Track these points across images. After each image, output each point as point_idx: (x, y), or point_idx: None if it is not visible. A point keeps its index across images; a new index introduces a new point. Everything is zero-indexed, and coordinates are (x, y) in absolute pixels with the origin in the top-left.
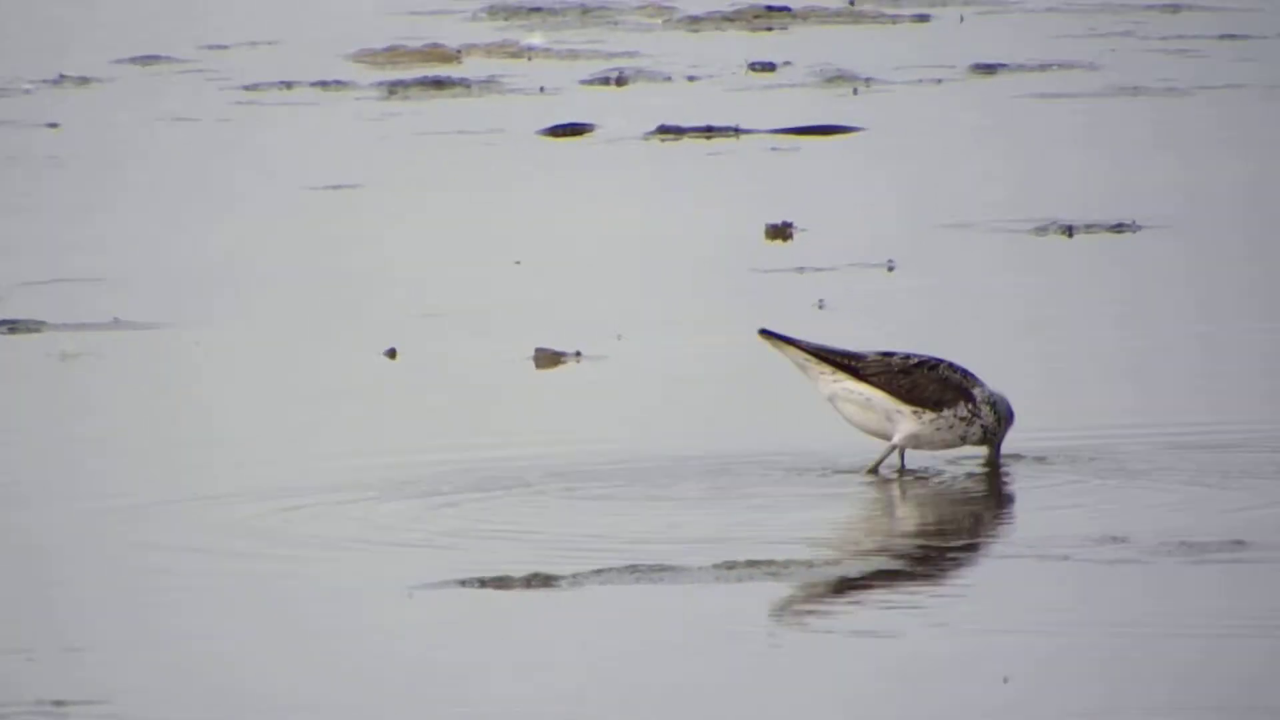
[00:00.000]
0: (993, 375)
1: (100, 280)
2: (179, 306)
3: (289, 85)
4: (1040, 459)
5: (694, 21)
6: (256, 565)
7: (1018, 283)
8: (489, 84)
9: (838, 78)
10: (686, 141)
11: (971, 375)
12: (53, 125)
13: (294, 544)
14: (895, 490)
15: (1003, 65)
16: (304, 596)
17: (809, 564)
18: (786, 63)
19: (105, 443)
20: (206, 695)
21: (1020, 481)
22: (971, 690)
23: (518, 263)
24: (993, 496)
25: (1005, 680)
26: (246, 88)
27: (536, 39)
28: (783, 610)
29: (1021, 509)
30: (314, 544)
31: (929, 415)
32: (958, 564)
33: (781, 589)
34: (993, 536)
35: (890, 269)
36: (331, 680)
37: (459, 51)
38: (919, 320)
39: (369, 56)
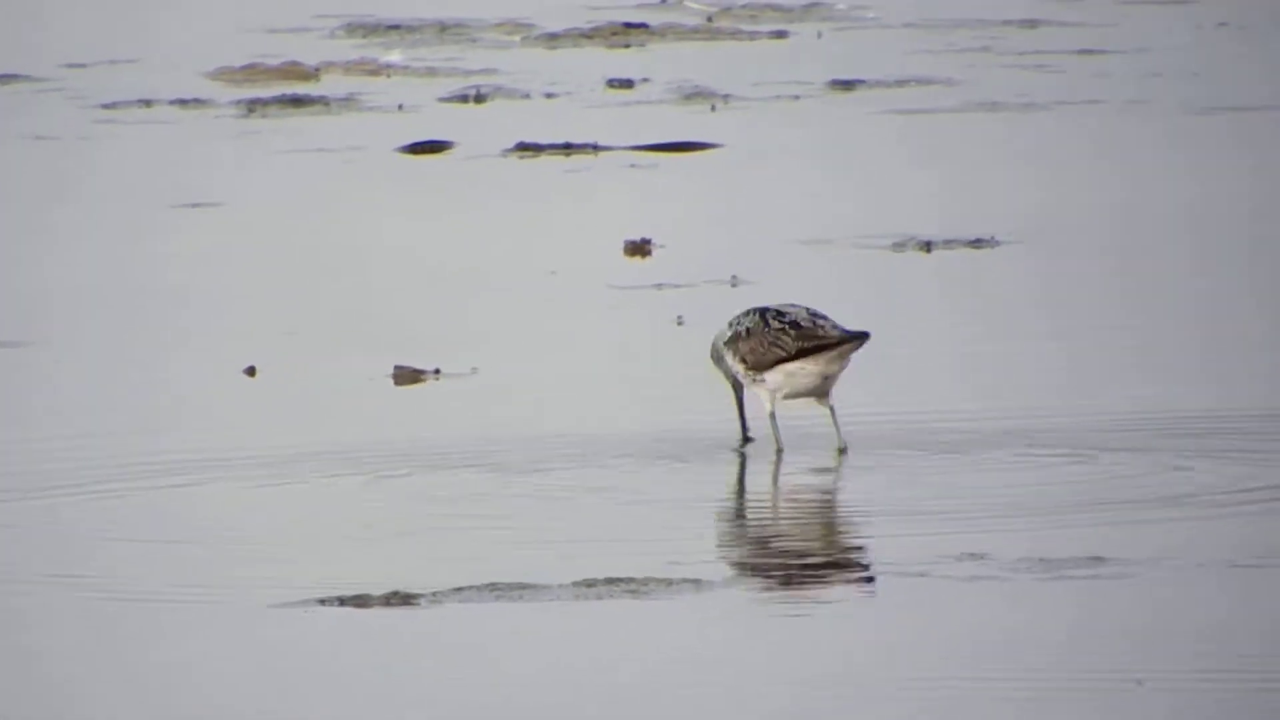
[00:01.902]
0: (847, 385)
1: None
2: (39, 325)
3: (148, 103)
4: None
5: (552, 39)
6: (98, 586)
7: (876, 296)
8: (348, 101)
9: (696, 94)
10: (545, 158)
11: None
12: None
13: (137, 561)
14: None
15: (861, 81)
16: (175, 615)
17: (668, 582)
18: (645, 79)
19: None
20: (79, 709)
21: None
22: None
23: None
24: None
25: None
26: (105, 106)
27: (395, 56)
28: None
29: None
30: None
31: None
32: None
33: (642, 607)
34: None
35: (734, 285)
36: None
37: (317, 69)
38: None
39: (227, 74)
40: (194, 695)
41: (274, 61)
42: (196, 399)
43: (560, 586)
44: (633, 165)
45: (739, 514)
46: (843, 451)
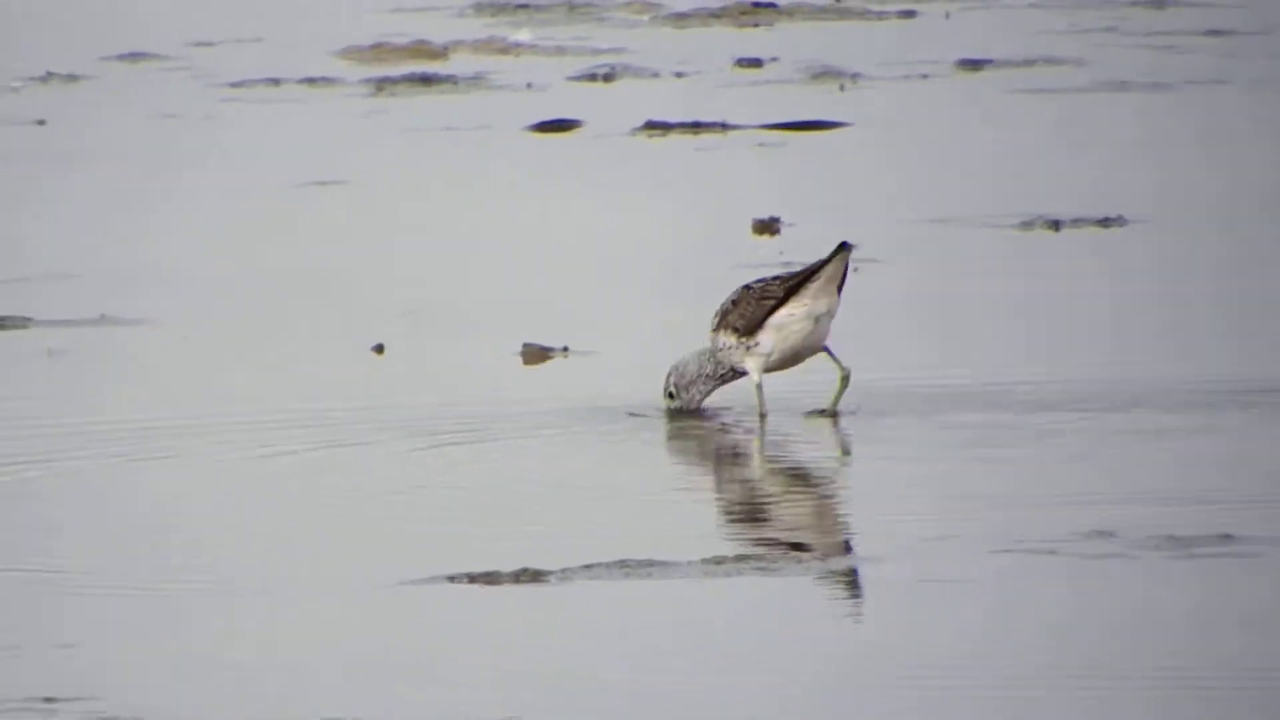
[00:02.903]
0: (979, 362)
1: (87, 276)
2: (167, 302)
3: (276, 82)
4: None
5: (680, 18)
6: (261, 561)
7: (1002, 276)
8: (476, 80)
9: (824, 74)
10: (674, 137)
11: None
12: (40, 122)
13: (292, 542)
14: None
15: (988, 61)
16: (306, 590)
17: (798, 559)
18: (773, 59)
19: (93, 436)
20: (203, 692)
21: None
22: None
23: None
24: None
25: None
26: (233, 84)
27: (524, 35)
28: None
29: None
30: (308, 536)
31: None
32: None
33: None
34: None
35: (855, 270)
36: (334, 678)
37: (446, 48)
38: (902, 313)
39: (356, 53)
40: (323, 674)
41: (402, 40)
42: (324, 377)
43: (690, 564)
44: (761, 144)
45: (862, 490)
46: (831, 413)
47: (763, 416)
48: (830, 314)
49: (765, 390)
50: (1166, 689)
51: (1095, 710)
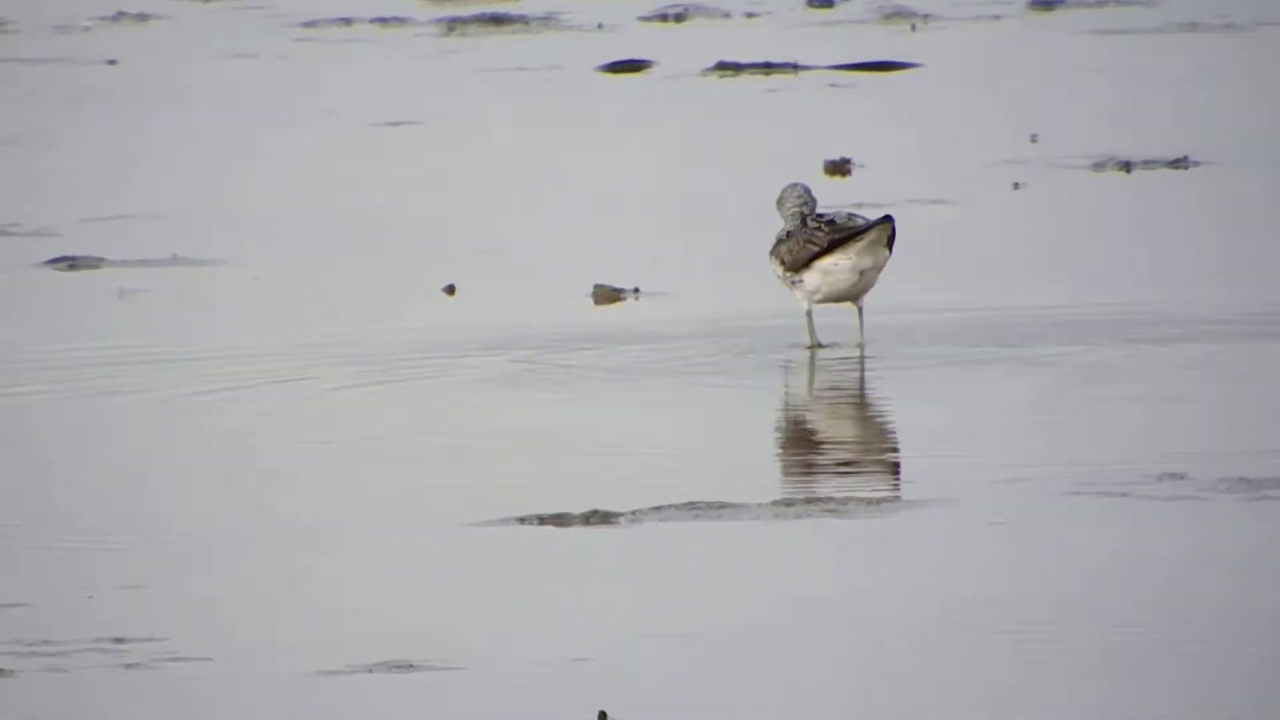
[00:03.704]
0: (1050, 309)
1: (159, 217)
2: (238, 243)
3: (348, 22)
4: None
5: None
6: (325, 507)
7: (1072, 217)
8: (547, 20)
9: (896, 14)
10: (745, 78)
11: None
12: (111, 62)
13: (362, 483)
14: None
15: (1060, 1)
16: (368, 533)
17: (869, 501)
18: None
19: (171, 378)
20: (272, 633)
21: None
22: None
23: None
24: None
25: None
26: (305, 24)
27: None
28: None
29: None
30: (383, 480)
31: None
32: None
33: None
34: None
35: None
36: (410, 618)
37: None
38: (984, 255)
39: None
40: (393, 616)
41: None
42: (396, 316)
43: (759, 506)
44: (832, 85)
45: (933, 430)
46: (861, 347)
47: (813, 347)
48: (877, 268)
49: (816, 320)
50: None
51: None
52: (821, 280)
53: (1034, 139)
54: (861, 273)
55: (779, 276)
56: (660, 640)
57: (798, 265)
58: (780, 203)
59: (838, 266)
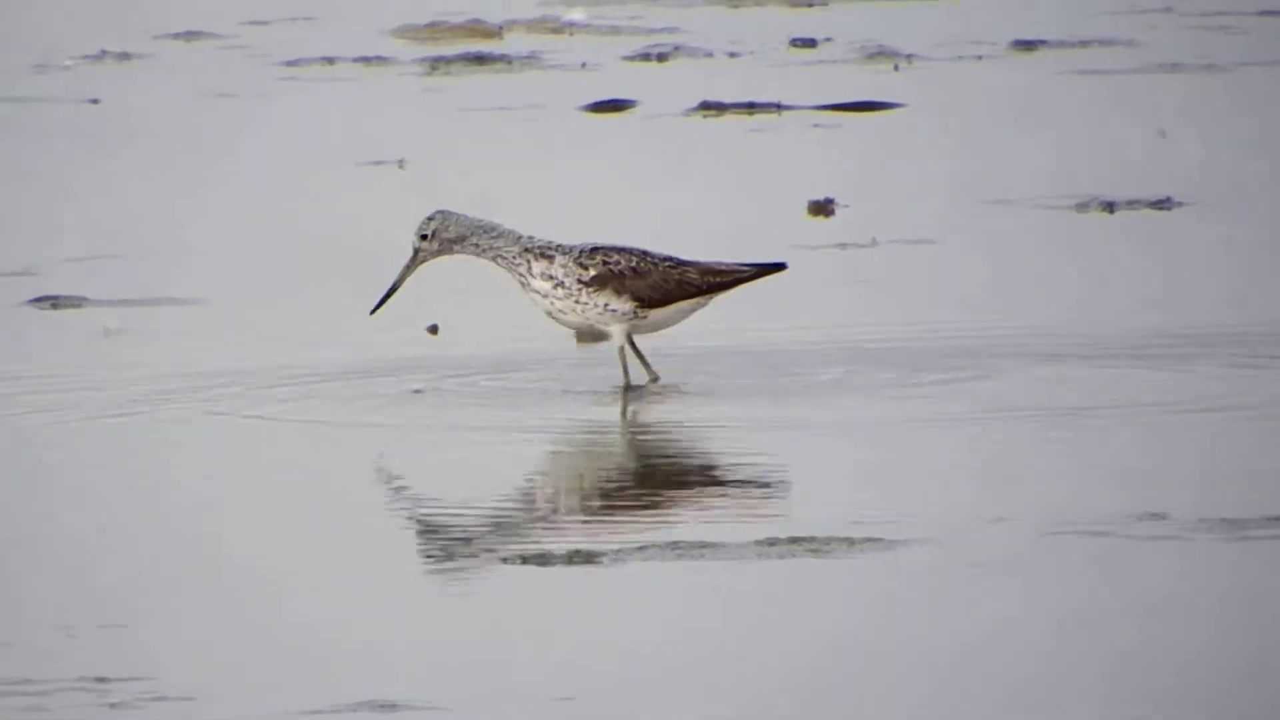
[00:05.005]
0: (1036, 348)
1: (142, 256)
2: (222, 281)
3: (331, 61)
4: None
5: None
6: (324, 529)
7: (1059, 258)
8: (530, 60)
9: (879, 54)
10: (728, 118)
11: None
12: (94, 101)
13: (367, 511)
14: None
15: (1043, 42)
16: (353, 571)
17: (850, 541)
18: (827, 39)
19: (151, 416)
20: (249, 673)
21: None
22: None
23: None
24: None
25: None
26: (288, 63)
27: (578, 15)
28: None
29: None
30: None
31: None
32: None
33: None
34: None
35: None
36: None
37: (500, 27)
38: (961, 294)
39: (411, 32)
40: (373, 656)
41: (457, 19)
42: (381, 355)
43: (741, 545)
44: (816, 125)
45: (911, 470)
46: (653, 381)
47: (627, 388)
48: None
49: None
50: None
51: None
52: (672, 314)
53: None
54: (688, 315)
55: (610, 308)
56: (644, 677)
57: (655, 303)
58: (450, 235)
59: (695, 305)
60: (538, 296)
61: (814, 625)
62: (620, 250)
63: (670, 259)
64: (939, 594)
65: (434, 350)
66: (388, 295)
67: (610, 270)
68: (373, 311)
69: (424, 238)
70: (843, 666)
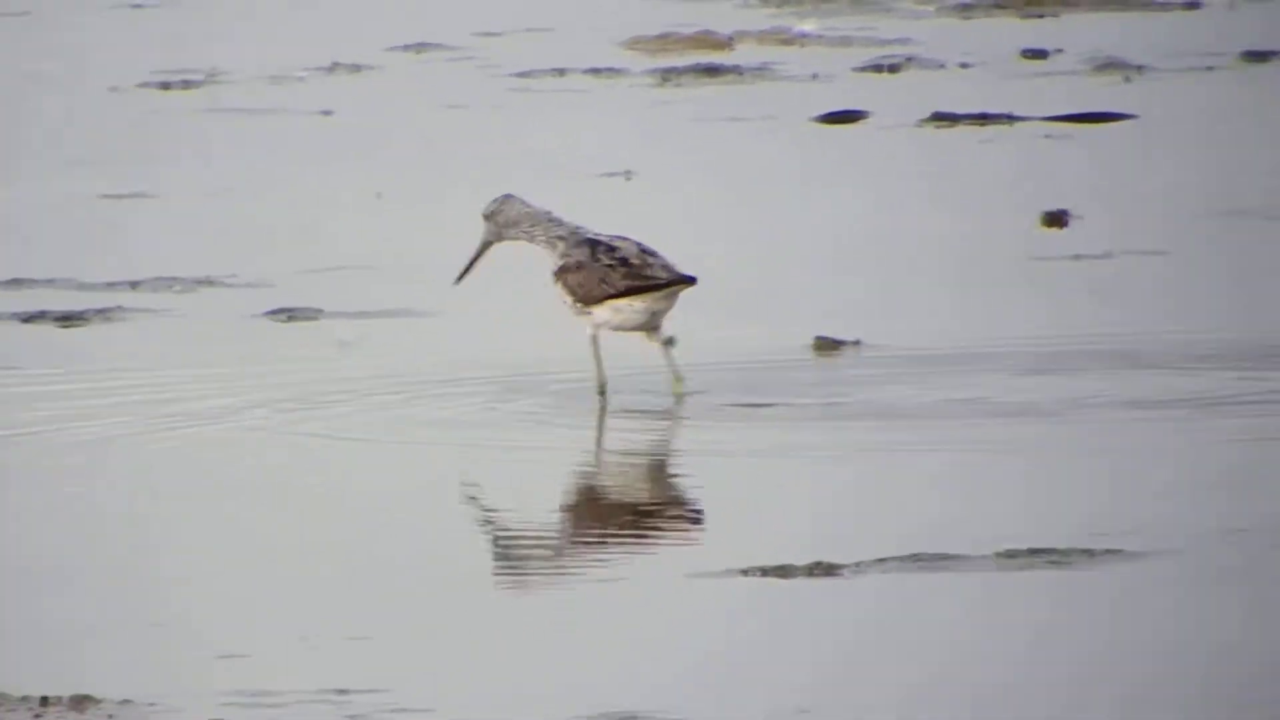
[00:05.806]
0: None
1: (376, 267)
2: (457, 293)
3: (561, 72)
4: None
5: (965, 8)
6: (555, 542)
7: None
8: (761, 71)
9: (1109, 65)
10: (960, 128)
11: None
12: (326, 113)
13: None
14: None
15: (1274, 52)
16: (595, 578)
17: (1090, 553)
18: (1058, 50)
19: (378, 427)
20: (491, 688)
21: None
22: None
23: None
24: None
25: None
26: (519, 75)
27: (808, 26)
28: None
29: None
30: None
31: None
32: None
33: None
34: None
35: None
36: (640, 674)
37: (730, 38)
38: (1201, 306)
39: (641, 43)
40: (614, 668)
41: (687, 31)
42: (620, 361)
43: (983, 558)
44: (1047, 135)
45: (1158, 479)
46: (680, 385)
47: (602, 388)
48: (667, 311)
49: (602, 348)
50: None
51: None
52: (612, 315)
53: None
54: (654, 313)
55: (565, 303)
56: (881, 692)
57: (589, 300)
58: (504, 218)
59: (631, 306)
60: None
61: (1066, 636)
62: (597, 244)
63: (630, 261)
64: (1186, 605)
65: (685, 359)
66: (467, 269)
67: (566, 265)
68: (456, 281)
69: (486, 216)
70: (1109, 671)
